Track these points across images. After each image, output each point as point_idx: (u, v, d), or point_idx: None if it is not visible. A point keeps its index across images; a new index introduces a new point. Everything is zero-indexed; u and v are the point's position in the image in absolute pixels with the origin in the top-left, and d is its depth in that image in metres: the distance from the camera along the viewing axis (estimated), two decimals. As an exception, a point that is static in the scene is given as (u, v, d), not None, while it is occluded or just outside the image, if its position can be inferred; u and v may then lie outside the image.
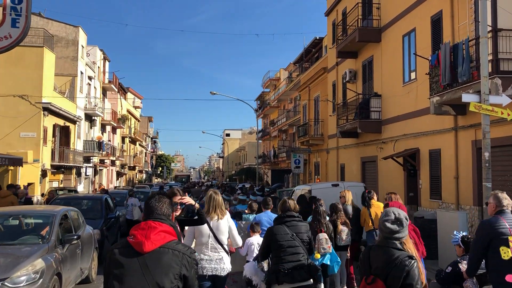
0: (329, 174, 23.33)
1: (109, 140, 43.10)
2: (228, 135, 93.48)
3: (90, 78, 35.12)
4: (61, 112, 26.44)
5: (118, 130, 47.41)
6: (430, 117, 13.33)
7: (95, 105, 34.85)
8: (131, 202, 15.48)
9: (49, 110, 24.81)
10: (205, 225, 5.23)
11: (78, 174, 32.05)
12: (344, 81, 20.43)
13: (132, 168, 57.33)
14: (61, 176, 27.89)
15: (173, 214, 3.08)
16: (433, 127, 13.42)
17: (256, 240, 6.86)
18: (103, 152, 35.92)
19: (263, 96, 56.96)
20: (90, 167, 34.87)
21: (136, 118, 60.74)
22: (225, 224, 5.51)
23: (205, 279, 5.27)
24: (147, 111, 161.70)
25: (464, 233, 5.68)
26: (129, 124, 52.67)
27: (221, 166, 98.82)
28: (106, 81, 40.83)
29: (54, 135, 26.41)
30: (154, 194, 3.02)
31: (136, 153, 59.20)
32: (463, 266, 5.02)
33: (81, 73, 32.55)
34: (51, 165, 25.74)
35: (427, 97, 12.55)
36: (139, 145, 64.27)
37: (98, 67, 38.14)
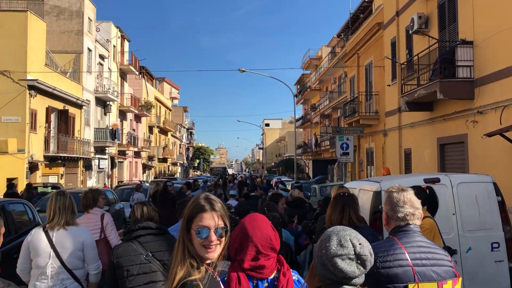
0: (387, 163, 17.55)
1: (133, 129, 38.88)
2: (267, 125, 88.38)
3: (102, 57, 30.69)
4: (56, 92, 22.03)
5: (144, 119, 43.15)
6: None
7: (108, 88, 30.40)
8: (136, 197, 14.67)
9: (37, 89, 20.41)
10: (44, 240, 3.94)
11: (88, 167, 27.78)
12: (411, 32, 14.58)
13: (163, 160, 53.22)
14: (61, 170, 23.57)
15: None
16: None
17: None
18: (118, 142, 31.49)
19: (303, 79, 51.32)
20: (103, 159, 30.58)
21: (167, 107, 56.49)
22: (76, 239, 3.99)
23: None
24: (185, 103, 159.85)
25: None
26: (157, 113, 48.37)
27: (261, 158, 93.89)
28: (125, 62, 36.36)
29: (48, 121, 22.06)
30: None
31: (167, 144, 54.95)
32: None
33: (89, 50, 28.13)
34: (44, 156, 21.41)
35: None
36: (172, 135, 60.14)
37: (114, 46, 33.73)
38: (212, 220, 2.00)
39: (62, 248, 3.98)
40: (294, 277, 2.29)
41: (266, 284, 2.25)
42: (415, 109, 13.92)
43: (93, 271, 4.18)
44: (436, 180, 5.20)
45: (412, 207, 2.55)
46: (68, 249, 3.99)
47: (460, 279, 2.46)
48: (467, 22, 11.77)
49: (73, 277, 4.04)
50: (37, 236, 4.03)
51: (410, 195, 2.61)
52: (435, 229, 4.35)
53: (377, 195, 5.22)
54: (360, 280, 1.91)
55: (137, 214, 4.04)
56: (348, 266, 1.85)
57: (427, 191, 5.00)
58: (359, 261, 1.88)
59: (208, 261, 2.03)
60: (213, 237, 1.98)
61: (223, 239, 2.03)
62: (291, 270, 2.30)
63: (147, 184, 23.28)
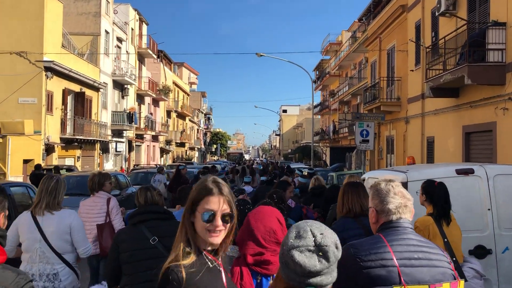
0: (409, 151, 16.96)
1: (151, 113, 38.80)
2: (285, 111, 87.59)
3: (119, 40, 30.47)
4: (73, 74, 21.90)
5: (161, 103, 42.99)
6: None
7: (126, 71, 30.20)
8: (157, 179, 14.86)
9: (53, 70, 20.29)
10: (32, 224, 3.85)
11: (105, 150, 27.78)
12: (437, 14, 13.86)
13: (180, 145, 53.25)
14: (77, 152, 23.56)
15: (0, 215, 2.16)
16: None
17: None
18: (135, 125, 31.39)
19: (322, 65, 50.42)
20: (121, 142, 30.55)
21: (185, 92, 56.27)
22: (62, 222, 3.89)
23: None
24: (203, 88, 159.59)
25: None
26: (175, 97, 48.19)
27: (278, 145, 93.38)
28: (143, 46, 36.07)
29: (64, 103, 21.98)
30: None
31: (184, 129, 54.91)
32: None
33: (106, 32, 27.91)
34: (61, 138, 21.38)
35: None
36: (189, 120, 60.08)
37: (132, 29, 33.45)
38: (219, 204, 1.92)
39: (50, 232, 3.91)
40: None
41: (271, 281, 2.09)
42: (440, 95, 13.28)
43: (82, 254, 4.12)
44: (470, 171, 4.70)
45: (404, 197, 2.26)
46: (55, 233, 3.92)
47: (462, 281, 2.16)
48: (500, 2, 11.04)
49: (64, 262, 3.95)
50: (25, 220, 3.96)
51: (400, 186, 2.33)
52: (430, 229, 3.80)
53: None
54: (328, 279, 1.64)
55: (140, 200, 3.85)
56: (307, 259, 1.61)
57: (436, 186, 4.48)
58: (320, 253, 1.63)
59: (209, 248, 1.93)
60: (219, 221, 1.90)
61: (228, 225, 1.94)
62: None
63: (163, 168, 23.14)
